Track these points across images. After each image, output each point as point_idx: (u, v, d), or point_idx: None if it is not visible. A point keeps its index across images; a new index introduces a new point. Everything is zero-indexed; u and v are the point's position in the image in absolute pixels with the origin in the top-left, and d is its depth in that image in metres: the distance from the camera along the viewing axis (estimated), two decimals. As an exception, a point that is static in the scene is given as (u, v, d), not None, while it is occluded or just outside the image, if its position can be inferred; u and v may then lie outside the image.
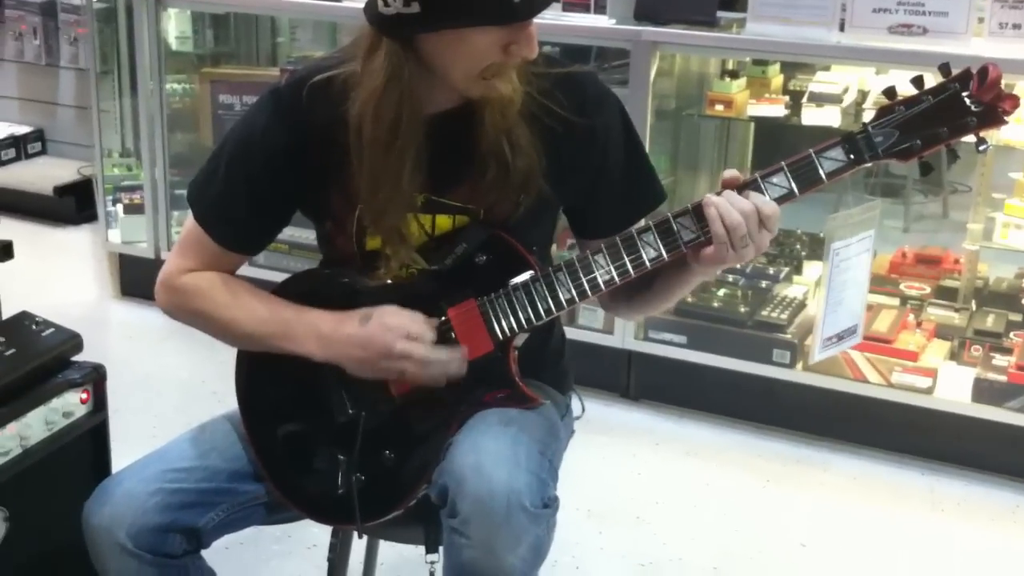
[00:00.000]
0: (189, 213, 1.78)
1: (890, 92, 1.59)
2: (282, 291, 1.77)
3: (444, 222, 1.69)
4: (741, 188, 1.58)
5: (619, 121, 1.74)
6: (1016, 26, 2.90)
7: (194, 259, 1.76)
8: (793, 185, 1.58)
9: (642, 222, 1.69)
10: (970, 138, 1.57)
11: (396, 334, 1.62)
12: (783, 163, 1.59)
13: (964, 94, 1.55)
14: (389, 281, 1.70)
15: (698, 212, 1.58)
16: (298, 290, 1.75)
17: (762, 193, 1.57)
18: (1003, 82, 1.57)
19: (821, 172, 1.58)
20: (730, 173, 1.59)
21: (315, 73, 1.66)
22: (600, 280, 1.62)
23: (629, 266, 1.61)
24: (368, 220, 1.66)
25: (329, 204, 1.71)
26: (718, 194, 1.58)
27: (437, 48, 1.54)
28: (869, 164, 1.58)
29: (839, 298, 2.97)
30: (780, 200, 1.59)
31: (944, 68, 1.57)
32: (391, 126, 1.57)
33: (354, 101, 1.60)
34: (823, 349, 2.98)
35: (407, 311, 1.65)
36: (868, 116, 3.32)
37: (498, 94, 1.59)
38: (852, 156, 1.57)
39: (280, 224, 1.79)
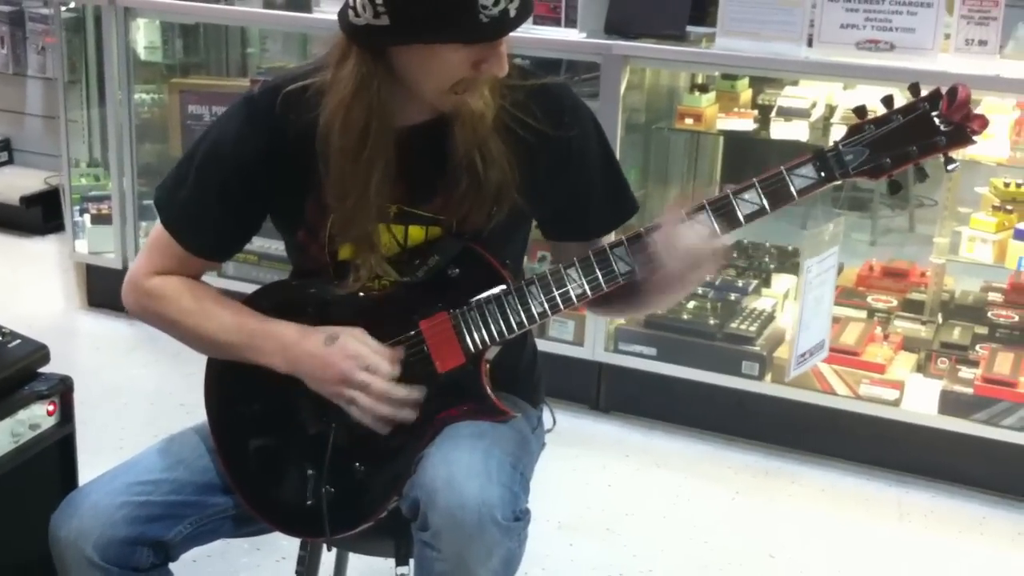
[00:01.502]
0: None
1: (860, 111, 1.60)
2: (253, 303, 1.76)
3: (417, 233, 1.69)
4: (694, 211, 1.60)
5: (594, 131, 1.75)
6: (982, 43, 2.93)
7: (161, 262, 1.75)
8: (764, 202, 1.59)
9: (613, 236, 1.70)
10: (939, 157, 1.59)
11: (355, 363, 1.62)
12: (755, 180, 1.60)
13: (934, 114, 1.57)
14: (361, 294, 1.70)
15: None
16: (269, 302, 1.74)
17: (711, 220, 1.59)
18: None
19: (792, 189, 1.59)
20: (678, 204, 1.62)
21: (289, 82, 1.65)
22: (572, 294, 1.63)
23: (601, 280, 1.62)
24: (337, 228, 1.66)
25: (302, 212, 1.70)
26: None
27: (408, 61, 1.55)
28: (839, 181, 1.60)
29: (811, 314, 3.00)
30: (751, 217, 1.60)
31: (914, 88, 1.59)
32: (359, 136, 1.57)
33: (324, 108, 1.59)
34: (798, 365, 3.01)
35: (372, 340, 1.65)
36: (836, 130, 3.38)
37: (468, 109, 1.59)
38: (823, 174, 1.59)
39: (249, 232, 1.78)
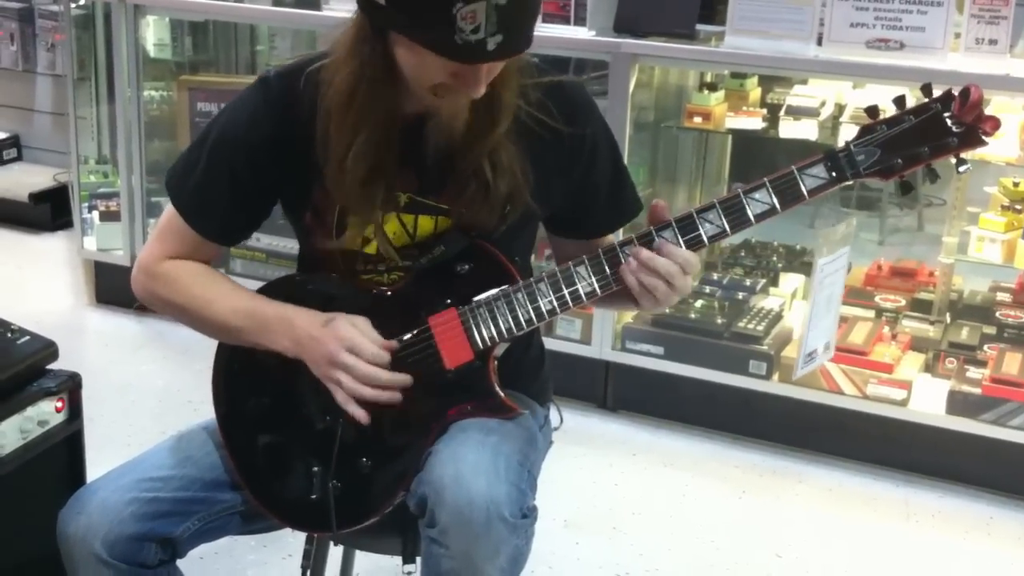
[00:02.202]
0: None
1: (872, 111, 1.60)
2: (259, 299, 1.76)
3: (426, 223, 1.69)
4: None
5: (604, 130, 1.76)
6: (992, 42, 2.93)
7: (172, 246, 1.74)
8: (775, 201, 1.59)
9: (621, 235, 1.71)
10: (951, 158, 1.59)
11: (341, 344, 1.61)
12: (765, 179, 1.60)
13: (946, 115, 1.57)
14: (374, 291, 1.71)
15: (682, 223, 1.61)
16: (277, 297, 1.74)
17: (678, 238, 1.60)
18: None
19: (803, 188, 1.59)
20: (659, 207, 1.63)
21: (306, 65, 1.65)
22: (582, 292, 1.63)
23: (611, 278, 1.62)
24: (330, 189, 1.65)
25: (309, 195, 1.70)
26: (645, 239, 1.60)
27: (398, 45, 1.53)
28: (851, 182, 1.59)
29: (820, 313, 3.00)
30: (762, 216, 1.60)
31: (926, 88, 1.59)
32: (347, 97, 1.57)
33: (326, 71, 1.60)
34: (805, 364, 3.01)
35: (368, 326, 1.64)
36: (845, 129, 3.37)
37: (441, 115, 1.60)
38: (834, 174, 1.59)
39: (261, 214, 1.77)
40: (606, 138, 1.76)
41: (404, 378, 1.64)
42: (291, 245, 1.86)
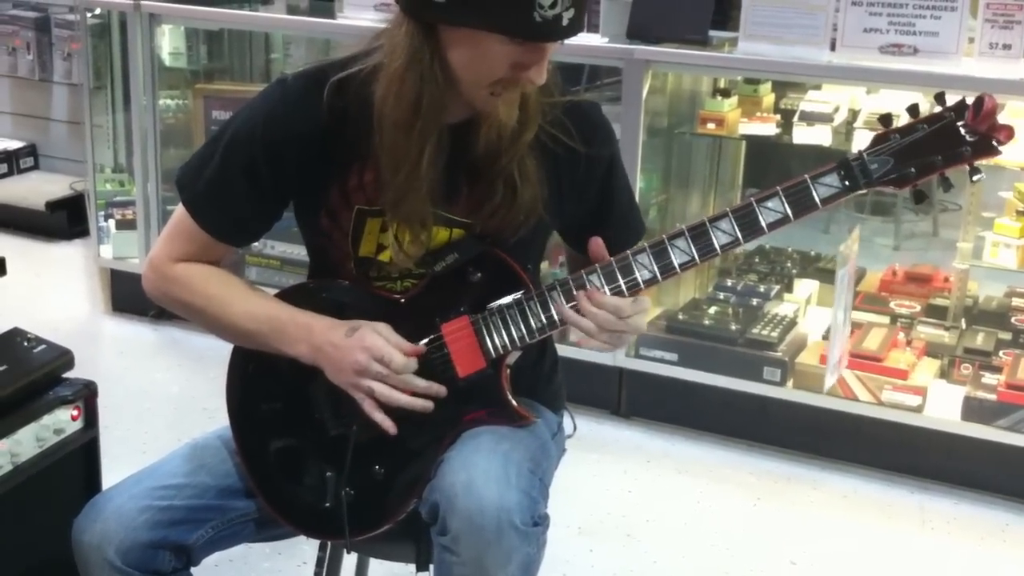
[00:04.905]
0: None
1: (886, 119, 1.60)
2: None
3: (441, 234, 1.69)
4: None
5: (617, 153, 1.78)
6: (1006, 46, 2.92)
7: (182, 246, 1.73)
8: (788, 210, 1.59)
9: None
10: (964, 167, 1.59)
11: (369, 354, 1.61)
12: (778, 188, 1.60)
13: (959, 124, 1.56)
14: (383, 296, 1.71)
15: (695, 232, 1.61)
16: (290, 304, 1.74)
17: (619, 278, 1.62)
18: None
19: (816, 197, 1.59)
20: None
21: (326, 69, 1.65)
22: (594, 300, 1.63)
23: (624, 287, 1.62)
24: (388, 206, 1.65)
25: (327, 196, 1.69)
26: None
27: (454, 44, 1.54)
28: (864, 191, 1.59)
29: (840, 322, 3.01)
30: (774, 225, 1.60)
31: (939, 97, 1.58)
32: (412, 107, 1.56)
33: (380, 82, 1.59)
34: (832, 374, 3.03)
35: (394, 334, 1.64)
36: (859, 135, 3.36)
37: (498, 114, 1.60)
38: (847, 183, 1.58)
39: (271, 217, 1.76)
40: (620, 160, 1.78)
41: (439, 387, 1.64)
42: (306, 253, 1.86)
